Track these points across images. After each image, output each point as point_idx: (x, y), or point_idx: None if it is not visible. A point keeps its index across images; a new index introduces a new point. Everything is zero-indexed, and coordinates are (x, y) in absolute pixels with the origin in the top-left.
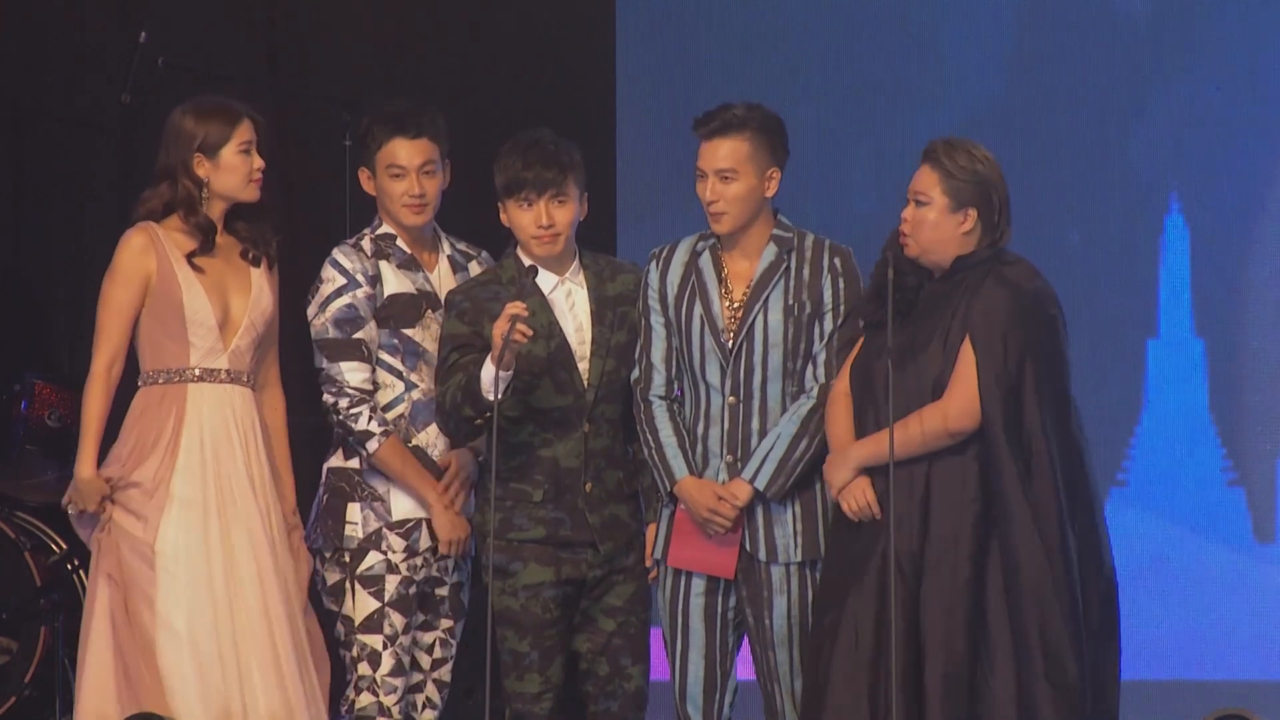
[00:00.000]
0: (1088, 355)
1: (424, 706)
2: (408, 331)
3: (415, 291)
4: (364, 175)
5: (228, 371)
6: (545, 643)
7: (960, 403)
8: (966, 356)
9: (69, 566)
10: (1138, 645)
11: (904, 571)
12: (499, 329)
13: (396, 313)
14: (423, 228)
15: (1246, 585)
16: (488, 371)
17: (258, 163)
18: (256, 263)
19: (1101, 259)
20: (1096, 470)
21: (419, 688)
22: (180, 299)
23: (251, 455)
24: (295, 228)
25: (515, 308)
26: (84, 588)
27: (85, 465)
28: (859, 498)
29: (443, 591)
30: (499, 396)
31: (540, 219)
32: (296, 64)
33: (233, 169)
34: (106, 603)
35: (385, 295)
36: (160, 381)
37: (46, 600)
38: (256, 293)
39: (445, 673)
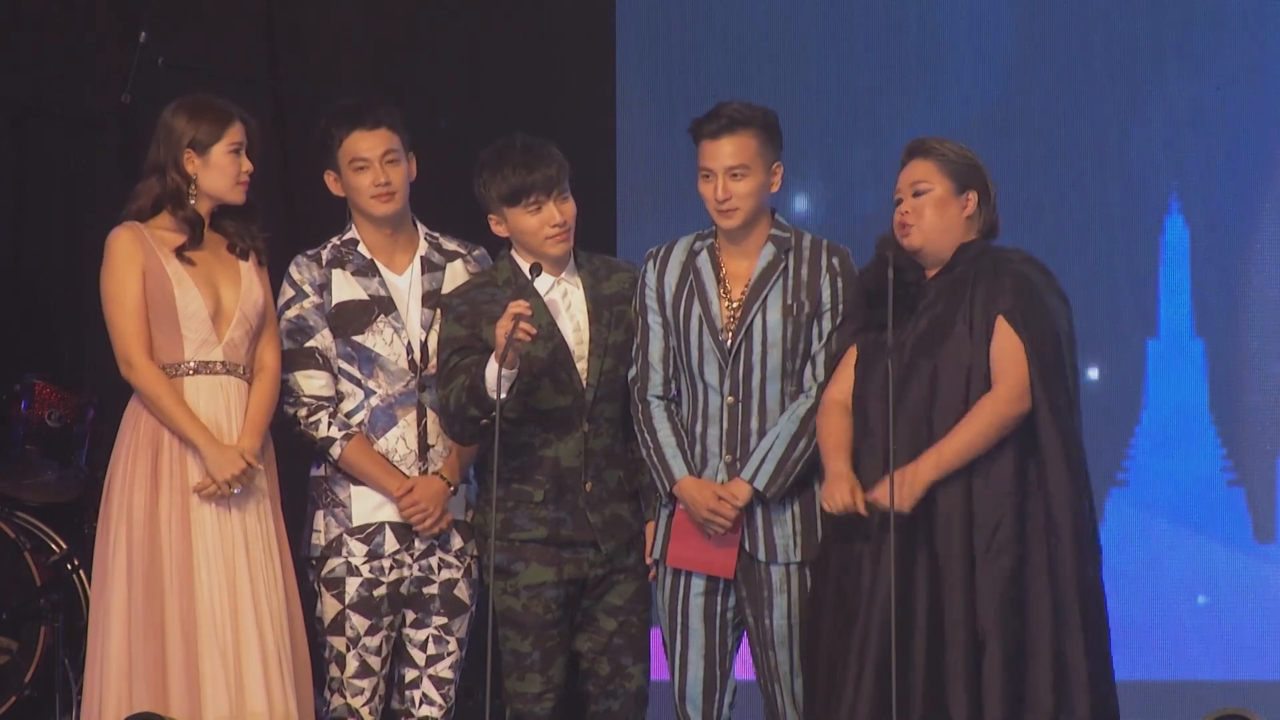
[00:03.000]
0: (1088, 355)
1: (421, 703)
2: (357, 338)
3: (366, 298)
4: (330, 178)
5: (222, 363)
6: (547, 643)
7: (1015, 386)
8: (1007, 338)
9: (69, 566)
10: (1138, 645)
11: (951, 564)
12: (502, 328)
13: (344, 321)
14: (394, 220)
15: (1246, 585)
16: (492, 370)
17: (246, 165)
18: (244, 255)
19: (1101, 259)
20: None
21: (415, 684)
22: (171, 292)
23: None
24: (295, 228)
25: (519, 306)
26: (84, 588)
27: (209, 445)
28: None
29: (431, 590)
30: (503, 396)
31: (553, 218)
32: (296, 64)
33: (221, 168)
34: (125, 597)
35: (333, 304)
36: None
37: (46, 600)
38: (247, 284)
39: (443, 669)
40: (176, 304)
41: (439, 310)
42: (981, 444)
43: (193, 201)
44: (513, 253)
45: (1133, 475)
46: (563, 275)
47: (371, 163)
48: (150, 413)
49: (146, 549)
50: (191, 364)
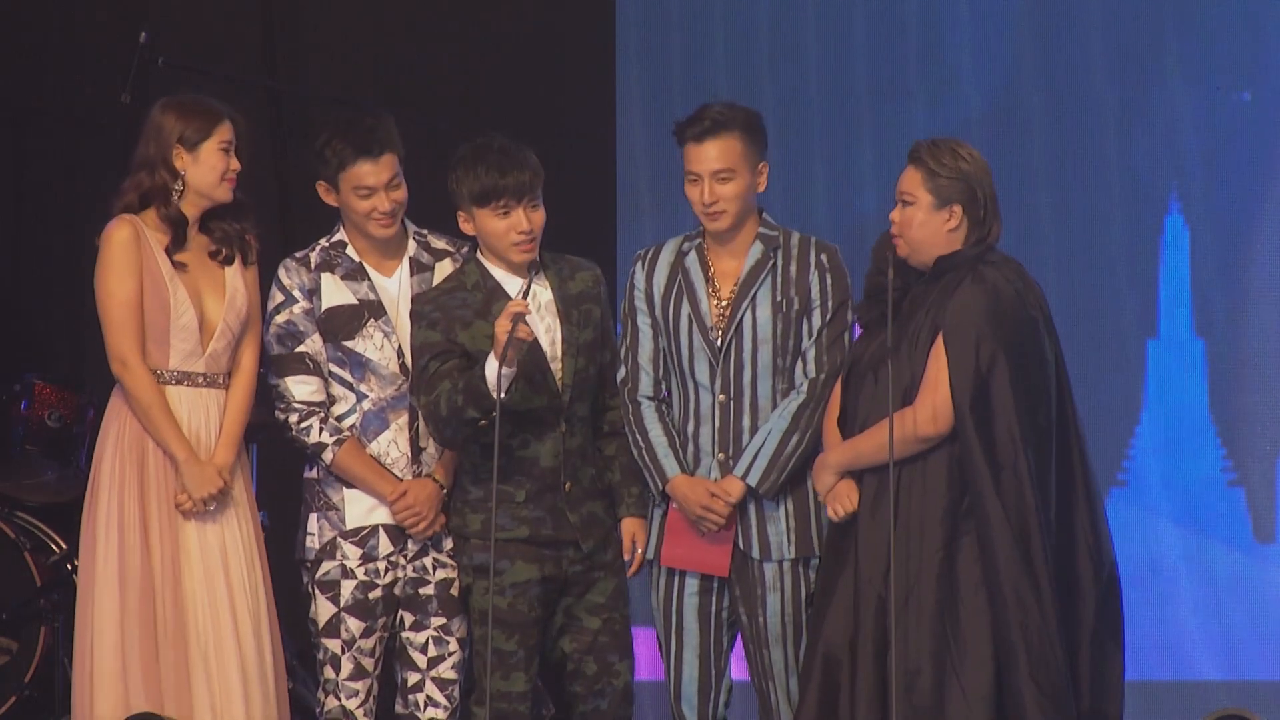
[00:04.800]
0: (1088, 355)
1: (426, 705)
2: (348, 343)
3: (356, 302)
4: (322, 188)
5: (204, 375)
6: (530, 641)
7: (930, 408)
8: (938, 357)
9: (69, 566)
10: (1138, 645)
11: (876, 569)
12: (502, 327)
13: (334, 326)
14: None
15: (1246, 585)
16: (492, 369)
17: (234, 164)
18: (228, 261)
19: (1101, 259)
20: (1096, 469)
21: (419, 687)
22: (168, 301)
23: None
24: (292, 229)
25: (518, 306)
26: None
27: (189, 462)
28: (843, 504)
29: (428, 590)
30: (503, 395)
31: (520, 225)
32: (296, 64)
33: (210, 166)
34: (117, 600)
35: (323, 309)
36: None
37: (46, 600)
38: (230, 293)
39: (445, 670)
40: (171, 314)
41: (410, 316)
42: (879, 455)
43: (176, 199)
44: (479, 256)
45: (1133, 476)
46: (532, 276)
47: (376, 190)
48: (134, 415)
49: (139, 554)
50: (174, 374)
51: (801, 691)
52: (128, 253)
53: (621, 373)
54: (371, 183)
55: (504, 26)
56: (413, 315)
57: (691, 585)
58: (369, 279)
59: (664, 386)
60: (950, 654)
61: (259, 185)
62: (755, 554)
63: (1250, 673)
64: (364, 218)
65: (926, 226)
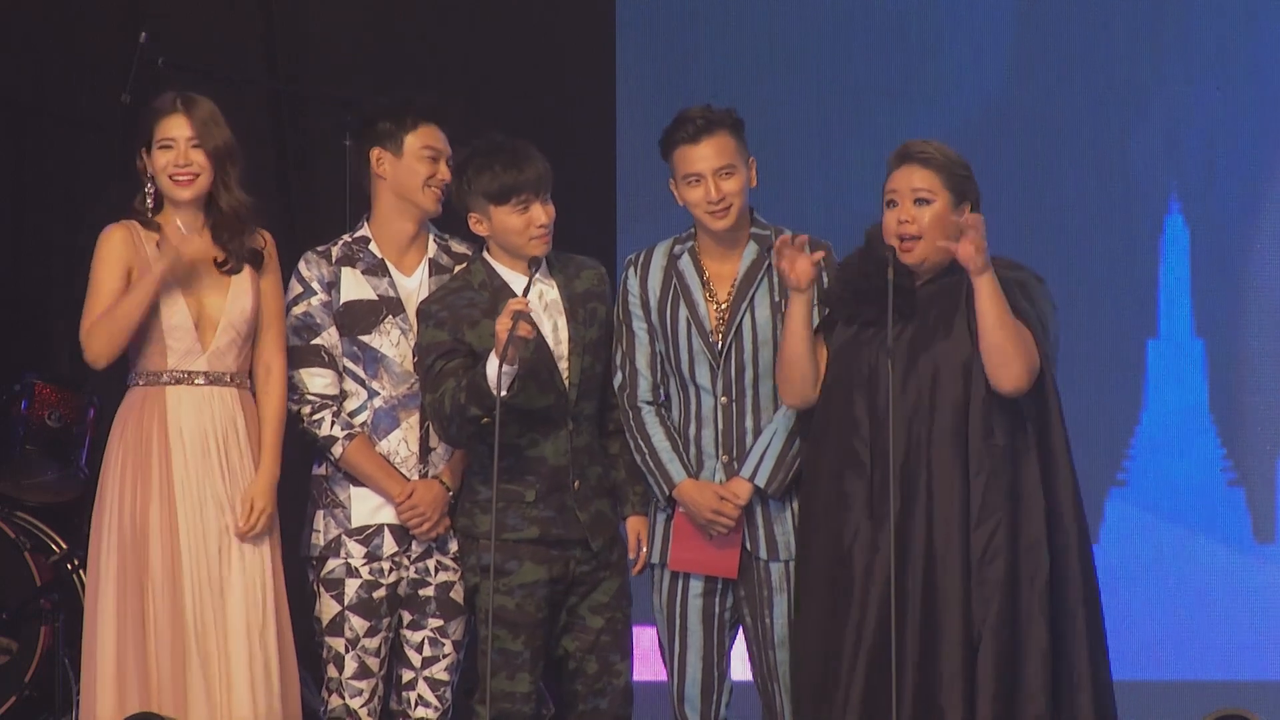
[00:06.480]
0: (1088, 355)
1: (417, 704)
2: (364, 338)
3: (375, 298)
4: (375, 155)
5: (206, 374)
6: (536, 642)
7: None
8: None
9: (69, 566)
10: (1138, 645)
11: (948, 560)
12: (502, 325)
13: (351, 320)
14: (424, 221)
15: (1246, 585)
16: (493, 367)
17: (175, 157)
18: (234, 272)
19: (1101, 259)
20: (1085, 467)
21: (412, 685)
22: (157, 303)
23: (234, 461)
24: (294, 228)
25: (518, 304)
26: (84, 587)
27: (166, 255)
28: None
29: (428, 591)
30: (501, 392)
31: (539, 218)
32: (296, 64)
33: (159, 166)
34: (115, 601)
35: (341, 302)
36: (141, 383)
37: (46, 600)
38: (235, 293)
39: (439, 670)
40: (160, 312)
41: (416, 316)
42: (1013, 339)
43: (145, 202)
44: (485, 255)
45: (1133, 475)
46: (538, 276)
47: (442, 153)
48: (113, 337)
49: (137, 554)
50: (173, 374)
51: (843, 698)
52: (116, 254)
53: (619, 378)
54: (439, 144)
55: (504, 26)
56: (420, 315)
57: (695, 587)
58: (390, 275)
59: (662, 390)
60: (1018, 624)
61: (260, 185)
62: (763, 554)
63: (1250, 673)
64: (420, 185)
65: (944, 226)
